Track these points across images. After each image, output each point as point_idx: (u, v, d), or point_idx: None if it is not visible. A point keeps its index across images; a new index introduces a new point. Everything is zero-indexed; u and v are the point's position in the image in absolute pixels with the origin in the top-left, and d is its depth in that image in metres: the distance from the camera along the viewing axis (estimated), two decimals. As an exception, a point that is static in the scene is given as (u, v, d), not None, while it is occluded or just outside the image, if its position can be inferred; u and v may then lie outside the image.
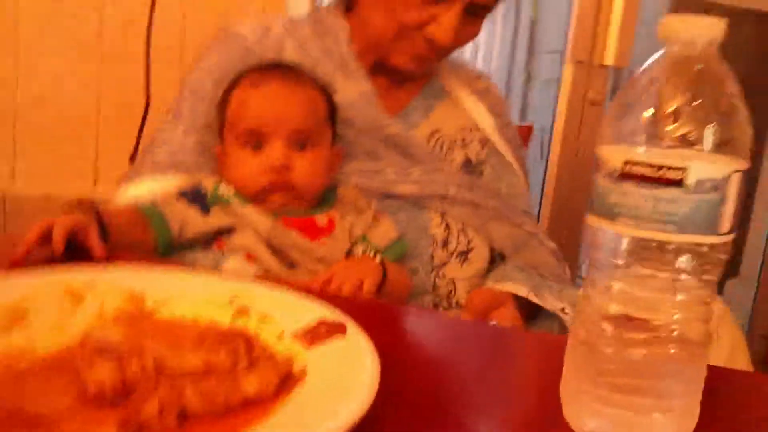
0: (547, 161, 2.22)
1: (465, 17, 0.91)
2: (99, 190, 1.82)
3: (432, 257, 0.93)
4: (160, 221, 0.79)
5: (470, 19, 0.93)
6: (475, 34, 0.96)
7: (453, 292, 0.94)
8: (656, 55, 0.42)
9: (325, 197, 0.89)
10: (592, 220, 0.42)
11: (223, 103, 0.89)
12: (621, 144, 0.40)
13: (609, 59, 2.06)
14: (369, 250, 0.85)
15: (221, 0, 1.84)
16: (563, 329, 0.89)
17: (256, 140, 0.84)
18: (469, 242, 0.96)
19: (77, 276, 0.57)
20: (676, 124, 0.39)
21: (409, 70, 0.97)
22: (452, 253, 0.94)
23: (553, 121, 2.19)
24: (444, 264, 0.94)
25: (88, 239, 0.67)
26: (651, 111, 0.40)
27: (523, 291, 0.90)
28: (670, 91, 0.40)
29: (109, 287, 0.55)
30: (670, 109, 0.39)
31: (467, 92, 1.07)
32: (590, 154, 2.20)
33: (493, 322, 0.81)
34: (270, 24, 1.00)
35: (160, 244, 0.79)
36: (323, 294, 0.62)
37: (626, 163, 0.39)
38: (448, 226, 0.95)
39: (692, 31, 0.40)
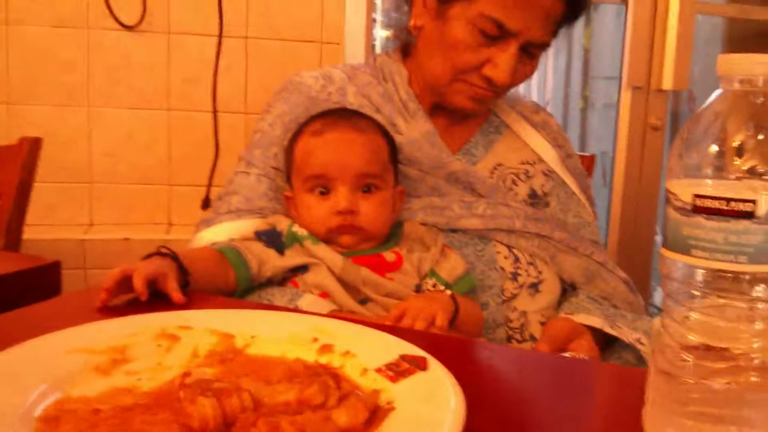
0: (610, 187, 2.19)
1: (521, 56, 0.93)
2: (172, 236, 1.90)
3: (502, 290, 0.93)
4: (240, 261, 0.83)
5: (526, 58, 0.95)
6: (532, 72, 0.98)
7: (525, 325, 0.93)
8: (717, 92, 0.43)
9: (391, 234, 0.91)
10: (666, 253, 0.43)
11: (290, 150, 0.93)
12: (689, 178, 0.42)
13: (667, 84, 2.04)
14: (438, 285, 0.86)
15: (281, 51, 1.92)
16: (638, 359, 0.87)
17: (323, 186, 0.88)
18: (539, 274, 0.95)
19: (170, 319, 0.61)
20: (743, 157, 0.40)
21: (468, 110, 0.99)
22: (522, 286, 0.94)
23: (614, 147, 2.17)
24: (514, 296, 0.93)
25: (167, 285, 0.70)
26: (716, 145, 0.41)
27: (598, 322, 0.89)
28: (734, 125, 0.41)
29: (201, 327, 0.59)
30: (736, 143, 0.40)
31: (526, 125, 1.08)
32: (654, 180, 2.18)
33: (570, 354, 0.81)
34: (331, 72, 1.06)
35: (240, 284, 0.83)
36: (397, 330, 0.63)
37: (696, 196, 0.41)
38: (516, 259, 0.95)
39: (751, 69, 0.41)
